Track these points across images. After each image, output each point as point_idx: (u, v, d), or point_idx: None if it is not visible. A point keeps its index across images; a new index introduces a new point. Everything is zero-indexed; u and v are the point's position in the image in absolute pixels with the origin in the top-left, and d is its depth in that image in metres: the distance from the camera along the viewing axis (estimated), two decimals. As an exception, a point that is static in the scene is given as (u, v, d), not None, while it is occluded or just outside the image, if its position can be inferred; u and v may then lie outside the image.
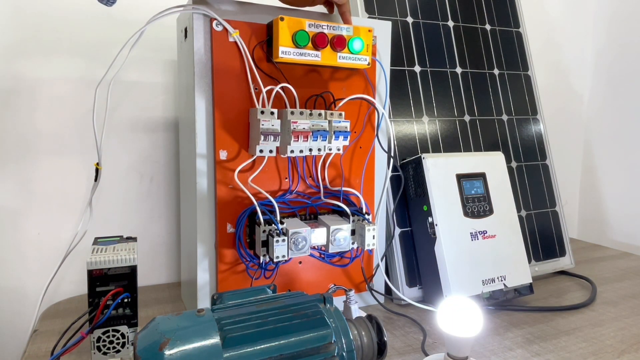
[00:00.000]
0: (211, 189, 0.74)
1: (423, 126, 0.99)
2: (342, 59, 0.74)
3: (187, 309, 0.74)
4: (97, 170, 0.75)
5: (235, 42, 0.72)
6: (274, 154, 0.72)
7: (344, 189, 0.81)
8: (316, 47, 0.72)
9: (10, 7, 0.86)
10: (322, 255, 0.81)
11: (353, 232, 0.78)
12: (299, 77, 0.77)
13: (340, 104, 0.80)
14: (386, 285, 0.88)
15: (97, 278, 0.62)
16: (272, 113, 0.70)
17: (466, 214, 0.86)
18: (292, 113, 0.71)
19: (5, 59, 0.87)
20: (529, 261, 1.04)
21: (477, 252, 0.85)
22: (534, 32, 1.40)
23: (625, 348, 0.73)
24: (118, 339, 0.63)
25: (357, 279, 0.86)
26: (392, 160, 0.86)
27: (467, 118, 1.04)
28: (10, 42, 0.87)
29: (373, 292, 0.87)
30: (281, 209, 0.76)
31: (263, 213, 0.72)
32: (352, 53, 0.75)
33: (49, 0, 0.88)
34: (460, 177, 0.87)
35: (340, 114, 0.75)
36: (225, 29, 0.71)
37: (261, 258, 0.73)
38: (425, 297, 0.89)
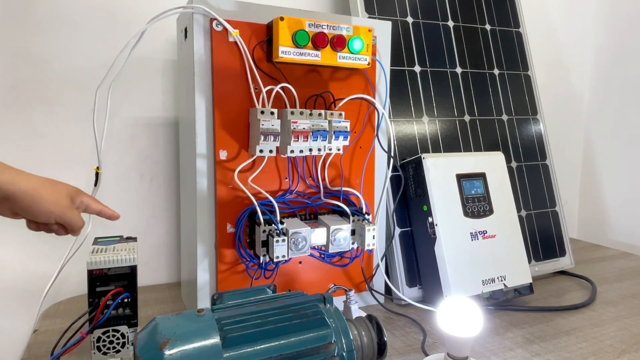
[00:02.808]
0: (211, 189, 0.74)
1: (423, 126, 0.99)
2: (342, 59, 0.74)
3: (187, 309, 0.74)
4: (97, 175, 0.74)
5: (235, 42, 0.72)
6: (274, 154, 0.72)
7: (344, 189, 0.81)
8: (316, 47, 0.72)
9: (9, 8, 0.86)
10: (322, 255, 0.81)
11: (353, 232, 0.78)
12: (299, 77, 0.77)
13: (340, 104, 0.80)
14: (386, 285, 0.88)
15: (97, 278, 0.62)
16: (272, 113, 0.70)
17: (466, 214, 0.86)
18: (292, 113, 0.71)
19: (7, 59, 0.87)
20: (529, 261, 1.04)
21: (477, 252, 0.85)
22: (534, 32, 1.40)
23: (625, 348, 0.73)
24: (118, 339, 0.63)
25: (357, 279, 0.86)
26: (392, 160, 0.86)
27: (467, 118, 1.04)
28: (11, 43, 0.87)
29: (373, 292, 0.87)
30: (281, 209, 0.76)
31: (263, 213, 0.72)
32: (352, 53, 0.75)
33: (50, 1, 0.88)
34: (460, 177, 0.87)
35: (340, 114, 0.75)
36: (225, 29, 0.71)
37: (261, 258, 0.73)
38: (425, 297, 0.88)
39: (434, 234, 0.84)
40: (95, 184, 0.75)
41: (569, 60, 1.50)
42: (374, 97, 0.84)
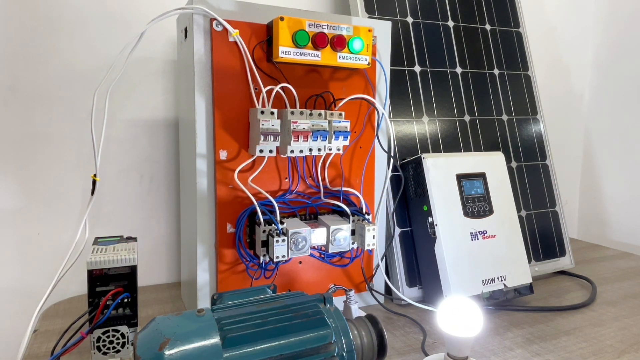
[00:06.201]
0: (211, 189, 0.74)
1: (423, 126, 0.99)
2: (342, 59, 0.74)
3: (187, 309, 0.74)
4: (94, 183, 0.72)
5: (235, 42, 0.72)
6: (274, 154, 0.72)
7: (344, 189, 0.81)
8: (316, 47, 0.72)
9: (9, 8, 0.86)
10: (322, 255, 0.81)
11: (353, 232, 0.78)
12: (299, 77, 0.77)
13: (340, 104, 0.80)
14: (386, 285, 0.88)
15: (97, 278, 0.62)
16: (272, 113, 0.70)
17: (466, 214, 0.86)
18: (292, 113, 0.71)
19: (6, 59, 0.87)
20: (529, 261, 1.04)
21: (477, 252, 0.85)
22: (534, 32, 1.40)
23: (625, 348, 0.73)
24: (118, 339, 0.63)
25: (357, 279, 0.86)
26: (392, 160, 0.86)
27: (467, 118, 1.04)
28: (11, 43, 0.87)
29: (373, 292, 0.87)
30: (281, 209, 0.76)
31: (263, 213, 0.72)
32: (352, 53, 0.75)
33: (50, 1, 0.88)
34: (460, 177, 0.87)
35: (340, 114, 0.75)
36: (225, 29, 0.71)
37: (261, 258, 0.73)
38: (425, 297, 0.88)
39: (434, 234, 0.84)
40: (92, 193, 0.72)
41: (569, 60, 1.50)
42: (374, 97, 0.84)
